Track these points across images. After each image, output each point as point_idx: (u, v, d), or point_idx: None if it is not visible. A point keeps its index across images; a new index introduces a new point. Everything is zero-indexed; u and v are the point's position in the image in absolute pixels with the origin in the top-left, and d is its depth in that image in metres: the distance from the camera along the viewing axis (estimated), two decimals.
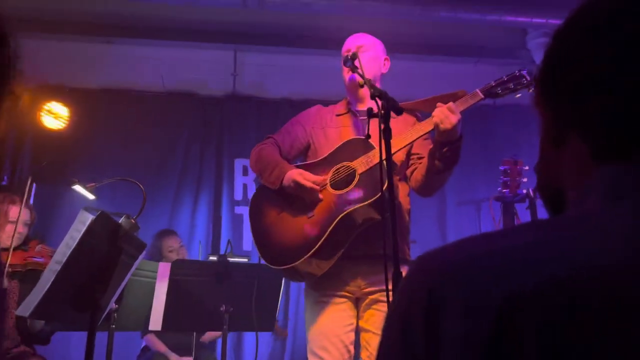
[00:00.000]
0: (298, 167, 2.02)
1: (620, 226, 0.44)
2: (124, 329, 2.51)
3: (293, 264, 1.85)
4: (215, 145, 4.22)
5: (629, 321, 0.38)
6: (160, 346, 3.15)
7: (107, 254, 1.81)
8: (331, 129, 2.07)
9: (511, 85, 1.81)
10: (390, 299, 1.46)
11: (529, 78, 1.79)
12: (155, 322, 2.50)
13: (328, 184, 1.93)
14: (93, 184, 2.29)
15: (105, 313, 2.11)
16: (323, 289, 1.93)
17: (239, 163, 4.15)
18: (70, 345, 3.35)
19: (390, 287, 1.46)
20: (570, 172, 0.53)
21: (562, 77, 0.52)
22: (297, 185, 1.90)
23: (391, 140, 1.81)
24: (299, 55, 4.25)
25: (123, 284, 2.13)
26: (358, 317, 1.94)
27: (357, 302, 1.95)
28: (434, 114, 1.78)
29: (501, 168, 2.42)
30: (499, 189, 2.40)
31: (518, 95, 1.82)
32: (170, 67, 4.26)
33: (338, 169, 1.94)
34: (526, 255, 0.43)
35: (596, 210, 0.47)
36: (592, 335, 0.38)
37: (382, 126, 1.50)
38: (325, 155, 1.99)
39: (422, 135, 1.85)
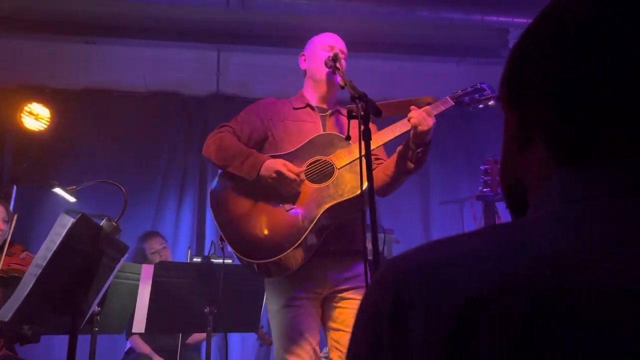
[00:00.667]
0: (271, 157, 1.96)
1: (574, 229, 0.45)
2: (107, 332, 2.49)
3: (274, 258, 1.80)
4: (199, 146, 4.18)
5: (585, 321, 0.40)
6: (144, 348, 3.14)
7: (89, 257, 1.80)
8: (290, 123, 2.04)
9: (476, 96, 1.92)
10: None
11: (489, 91, 1.88)
12: (139, 324, 2.49)
13: (304, 177, 1.92)
14: (74, 186, 2.27)
15: (88, 316, 2.10)
16: (289, 292, 1.89)
17: None
18: (54, 348, 3.32)
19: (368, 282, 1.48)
20: (532, 175, 0.54)
21: (525, 80, 0.53)
22: (280, 175, 1.85)
23: (377, 133, 1.85)
24: (283, 55, 4.24)
25: (105, 286, 2.11)
26: (325, 317, 1.94)
27: (323, 301, 1.94)
28: (411, 115, 1.82)
29: (482, 167, 2.45)
30: (480, 188, 2.43)
31: (481, 106, 1.90)
32: (153, 67, 4.23)
33: (313, 163, 1.94)
34: (485, 258, 0.44)
35: (554, 213, 0.48)
36: (548, 335, 0.39)
37: (362, 127, 1.52)
38: (293, 148, 1.97)
39: (398, 135, 1.89)
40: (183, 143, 4.20)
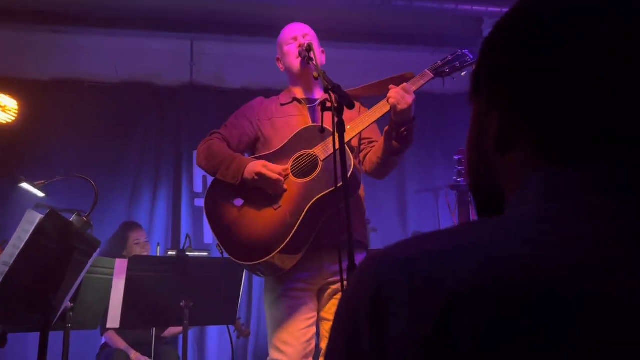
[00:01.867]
0: (255, 158, 1.98)
1: (551, 228, 0.45)
2: (80, 328, 2.45)
3: (266, 258, 1.81)
4: (173, 137, 4.14)
5: (559, 319, 0.39)
6: (120, 343, 3.10)
7: (59, 253, 1.76)
8: (278, 119, 2.04)
9: (457, 64, 1.90)
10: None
11: (471, 56, 1.86)
12: (113, 319, 2.46)
13: (290, 174, 1.91)
14: (42, 181, 2.21)
15: (60, 312, 2.07)
16: (285, 283, 1.91)
17: None
18: (27, 346, 3.25)
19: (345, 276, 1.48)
20: (510, 175, 0.53)
21: (503, 77, 0.52)
22: (261, 177, 1.86)
23: (349, 125, 1.84)
24: (258, 44, 4.19)
25: (77, 282, 2.08)
26: (319, 307, 1.95)
27: (319, 292, 1.95)
28: (389, 95, 1.81)
29: (456, 157, 2.46)
30: (454, 177, 2.44)
31: (463, 74, 1.88)
32: (125, 57, 4.14)
33: (298, 157, 1.93)
34: (466, 255, 0.44)
35: (533, 211, 0.48)
36: (521, 331, 0.39)
37: (336, 119, 1.51)
38: (280, 145, 1.97)
39: (379, 118, 1.88)
40: (156, 134, 4.13)
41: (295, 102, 2.08)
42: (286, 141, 1.97)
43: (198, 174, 4.10)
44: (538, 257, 0.42)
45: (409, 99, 1.78)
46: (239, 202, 1.96)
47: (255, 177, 1.87)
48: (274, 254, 1.80)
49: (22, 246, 1.58)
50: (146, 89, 4.14)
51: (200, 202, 4.04)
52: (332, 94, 1.51)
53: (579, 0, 0.49)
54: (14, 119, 3.59)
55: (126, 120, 4.07)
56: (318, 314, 1.95)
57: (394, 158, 1.94)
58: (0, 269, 1.56)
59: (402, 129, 1.83)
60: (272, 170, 1.87)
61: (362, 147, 2.07)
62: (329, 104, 1.52)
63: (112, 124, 4.01)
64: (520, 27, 0.52)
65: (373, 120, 1.89)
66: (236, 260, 1.88)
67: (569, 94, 0.47)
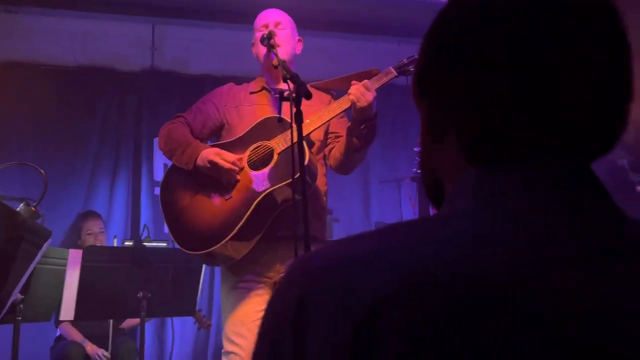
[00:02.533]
0: (213, 146, 1.95)
1: (479, 228, 0.44)
2: (31, 320, 2.38)
3: (211, 249, 1.79)
4: (133, 124, 4.04)
5: (490, 323, 0.38)
6: (75, 335, 3.03)
7: (4, 244, 1.69)
8: (245, 107, 2.01)
9: None
10: None
11: None
12: (67, 311, 2.40)
13: (245, 164, 1.88)
14: None
15: (9, 305, 1.99)
16: (240, 274, 1.89)
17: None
18: None
19: None
20: (446, 168, 0.53)
21: (439, 71, 0.51)
22: (214, 165, 1.82)
23: (308, 119, 1.82)
24: (221, 29, 4.11)
25: (27, 273, 2.00)
26: None
27: (273, 285, 1.93)
28: (350, 91, 1.79)
29: (416, 149, 2.47)
30: (414, 169, 2.45)
31: None
32: (84, 40, 3.99)
33: (255, 148, 1.90)
34: (389, 259, 0.42)
35: (464, 210, 0.47)
36: (447, 342, 0.38)
37: (294, 109, 1.48)
38: (241, 134, 1.94)
39: (338, 114, 1.87)
40: (116, 121, 4.01)
41: (264, 91, 2.04)
42: (246, 131, 1.93)
43: (159, 161, 4.01)
44: (469, 261, 0.41)
45: (369, 96, 1.76)
46: (191, 189, 1.92)
47: (208, 165, 1.83)
48: (221, 243, 1.78)
49: None
50: (106, 73, 4.01)
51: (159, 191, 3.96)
52: (289, 83, 1.48)
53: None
54: None
55: (85, 106, 3.94)
56: None
57: (356, 155, 1.93)
58: None
59: (362, 126, 1.82)
60: (225, 159, 1.83)
61: (328, 141, 2.05)
62: (287, 94, 1.49)
63: (70, 110, 3.87)
64: (454, 22, 0.51)
65: (333, 115, 1.86)
66: (184, 250, 1.86)
67: (499, 92, 0.46)
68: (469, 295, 0.39)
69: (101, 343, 2.99)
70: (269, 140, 1.89)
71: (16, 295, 2.05)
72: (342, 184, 4.04)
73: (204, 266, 2.63)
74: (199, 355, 3.79)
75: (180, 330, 3.73)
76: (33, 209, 1.77)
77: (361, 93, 1.76)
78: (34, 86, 3.79)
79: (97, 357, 2.94)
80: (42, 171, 1.86)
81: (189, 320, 3.24)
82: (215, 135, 2.05)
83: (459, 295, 0.39)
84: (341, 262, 0.43)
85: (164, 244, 3.14)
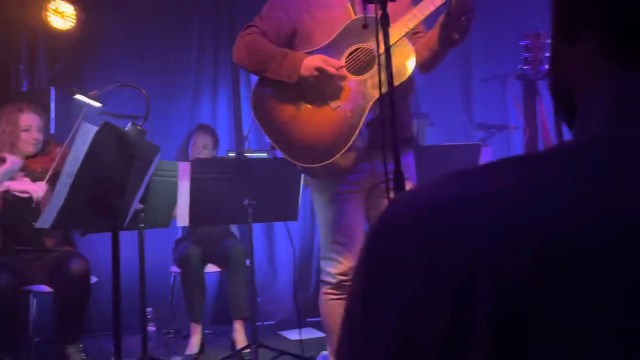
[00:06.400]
0: (308, 53, 1.84)
1: (616, 174, 0.34)
2: (152, 226, 2.63)
3: (330, 160, 1.75)
4: (229, 36, 4.06)
5: (605, 298, 0.31)
6: None
7: (118, 161, 1.84)
8: (317, 10, 1.88)
9: None
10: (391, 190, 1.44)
11: None
12: (182, 218, 2.62)
13: (345, 71, 1.80)
14: (95, 92, 2.26)
15: (131, 214, 2.21)
16: (336, 184, 1.88)
17: None
18: (109, 243, 3.54)
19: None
20: (578, 76, 0.43)
21: None
22: (322, 72, 1.74)
23: (404, 17, 1.69)
24: None
25: (143, 186, 2.19)
26: (367, 206, 1.93)
27: (369, 191, 1.93)
28: None
29: (522, 43, 2.23)
30: (520, 66, 2.23)
31: None
32: None
33: (352, 52, 1.81)
34: (497, 204, 0.35)
35: (598, 137, 0.37)
36: (554, 307, 0.32)
37: (380, 13, 1.39)
38: (324, 40, 1.83)
39: (439, 6, 1.72)
40: (212, 30, 4.05)
41: None
42: (335, 35, 1.82)
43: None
44: (586, 217, 0.33)
45: None
46: (292, 101, 1.85)
47: (315, 73, 1.75)
48: (337, 155, 1.74)
49: (82, 157, 1.66)
50: None
51: None
52: None
53: None
54: (73, 24, 3.63)
55: (183, 24, 4.01)
56: (366, 212, 1.94)
57: (448, 50, 1.81)
58: (66, 180, 1.65)
59: (462, 18, 1.68)
60: (331, 64, 1.75)
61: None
62: None
63: (170, 28, 3.96)
64: None
65: (433, 9, 1.71)
66: (297, 163, 1.83)
67: None
68: (582, 263, 0.32)
69: (213, 245, 3.26)
70: (366, 43, 1.79)
71: (136, 205, 2.26)
72: (441, 84, 3.85)
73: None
74: (304, 256, 4.02)
75: (285, 233, 3.96)
76: (139, 127, 1.89)
77: None
78: (133, 3, 3.90)
79: None
80: (143, 91, 1.95)
81: (293, 224, 3.41)
82: (288, 44, 1.92)
83: (567, 263, 0.32)
84: (436, 207, 0.37)
85: (264, 154, 3.26)
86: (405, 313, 0.36)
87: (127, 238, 2.65)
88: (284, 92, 1.85)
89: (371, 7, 1.40)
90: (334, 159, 1.76)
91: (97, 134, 1.67)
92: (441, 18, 1.74)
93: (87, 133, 1.65)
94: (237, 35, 3.94)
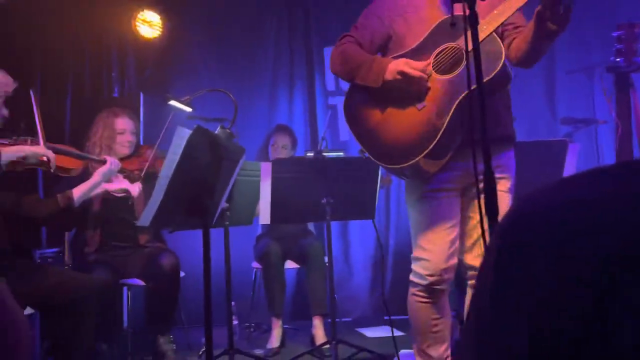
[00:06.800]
0: (394, 58, 1.86)
1: None
2: (236, 224, 2.74)
3: (413, 161, 1.76)
4: (303, 38, 4.14)
5: None
6: None
7: (209, 163, 1.94)
8: (411, 14, 1.90)
9: None
10: (481, 185, 1.42)
11: None
12: (264, 216, 2.71)
13: (432, 71, 1.80)
14: (187, 97, 2.39)
15: (218, 213, 2.32)
16: (428, 183, 1.87)
17: (328, 52, 4.06)
18: (196, 240, 3.71)
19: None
20: None
21: None
22: (404, 75, 1.77)
23: (493, 12, 1.66)
24: None
25: (229, 186, 2.29)
26: (464, 206, 1.91)
27: (463, 191, 1.91)
28: None
29: (614, 34, 2.12)
30: (612, 58, 2.12)
31: None
32: None
33: (440, 52, 1.80)
34: (624, 205, 0.36)
35: None
36: None
37: (467, 11, 1.37)
38: (415, 42, 1.84)
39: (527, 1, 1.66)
40: (287, 34, 4.15)
41: None
42: (423, 37, 1.83)
43: (330, 72, 4.10)
44: None
45: None
46: (380, 105, 1.88)
47: (398, 77, 1.78)
48: (420, 156, 1.75)
49: (177, 160, 1.76)
50: None
51: (333, 101, 4.09)
52: None
53: None
54: (159, 33, 3.84)
55: (258, 24, 4.14)
56: (462, 211, 1.92)
57: (547, 42, 1.73)
58: (163, 182, 1.76)
59: (559, 7, 1.61)
60: (414, 67, 1.77)
61: (505, 34, 1.87)
62: None
63: (246, 30, 4.10)
64: None
65: (520, 5, 1.65)
66: (383, 165, 1.87)
67: None
68: None
69: (291, 242, 3.34)
70: (454, 41, 1.78)
71: (223, 204, 2.37)
72: (522, 76, 3.71)
73: (379, 172, 2.72)
74: (379, 254, 4.03)
75: (360, 232, 3.99)
76: (228, 130, 1.98)
77: None
78: (212, 9, 4.07)
79: None
80: (231, 96, 2.03)
81: (369, 223, 3.42)
82: (382, 49, 1.97)
83: None
84: (567, 207, 0.38)
85: (341, 153, 3.30)
86: (540, 311, 0.36)
87: (212, 235, 2.78)
88: (372, 97, 1.89)
89: (458, 5, 1.39)
90: (417, 159, 1.76)
91: (191, 137, 1.77)
92: (538, 8, 1.67)
93: (181, 137, 1.75)
94: (311, 37, 4.09)
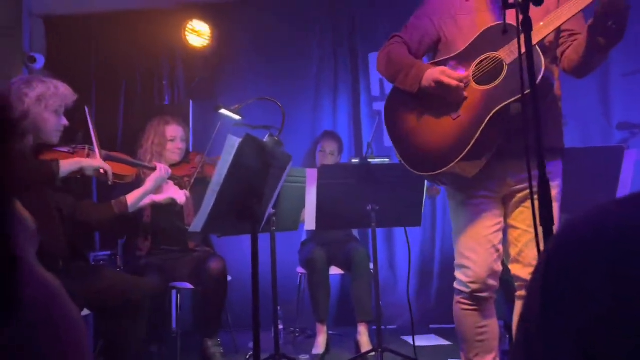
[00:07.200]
0: (434, 64, 1.88)
1: None
2: (283, 230, 2.77)
3: (445, 169, 1.77)
4: (348, 44, 4.16)
5: None
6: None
7: (258, 170, 1.98)
8: (463, 16, 1.87)
9: None
10: (535, 195, 1.38)
11: None
12: (310, 222, 2.72)
13: (471, 80, 1.79)
14: (237, 105, 2.44)
15: (265, 219, 2.35)
16: (468, 190, 1.87)
17: (373, 58, 4.06)
18: (242, 245, 3.77)
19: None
20: None
21: None
22: (440, 84, 1.77)
23: (542, 21, 1.63)
24: None
25: (277, 192, 2.32)
26: (506, 216, 1.89)
27: (504, 199, 1.88)
28: None
29: None
30: None
31: None
32: None
33: (481, 61, 1.78)
34: None
35: None
36: None
37: (521, 17, 1.35)
38: (463, 47, 1.83)
39: (580, 10, 1.62)
40: (331, 40, 4.17)
41: None
42: (468, 43, 1.81)
43: (374, 77, 4.10)
44: None
45: None
46: (417, 111, 1.89)
47: (433, 85, 1.78)
48: (452, 164, 1.75)
49: (228, 167, 1.80)
50: None
51: (378, 106, 4.07)
52: None
53: None
54: (208, 42, 3.94)
55: (303, 31, 4.18)
56: (505, 220, 1.89)
57: (599, 56, 1.70)
58: (214, 189, 1.80)
59: (610, 22, 1.57)
60: (450, 76, 1.76)
61: (560, 40, 1.82)
62: (511, 0, 1.36)
63: (291, 37, 4.15)
64: None
65: (573, 14, 1.60)
66: (415, 171, 1.87)
67: None
68: None
69: (337, 248, 3.34)
70: (496, 51, 1.76)
71: (270, 210, 2.40)
72: (573, 80, 3.59)
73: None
74: (426, 261, 3.98)
75: (403, 238, 3.95)
76: (276, 138, 2.01)
77: None
78: (258, 19, 4.14)
79: None
80: (279, 104, 2.06)
81: (415, 230, 3.39)
82: (432, 50, 1.97)
83: None
84: (624, 227, 0.38)
85: (386, 160, 3.28)
86: (595, 327, 0.36)
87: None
88: (410, 102, 1.90)
89: (511, 11, 1.37)
90: (447, 168, 1.75)
91: (241, 145, 1.80)
92: (590, 21, 1.64)
93: (232, 145, 1.79)
94: (356, 42, 4.10)
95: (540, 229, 1.31)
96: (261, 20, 4.12)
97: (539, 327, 0.41)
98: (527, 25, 1.33)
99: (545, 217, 1.30)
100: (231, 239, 3.10)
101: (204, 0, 4.18)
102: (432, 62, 1.91)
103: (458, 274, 1.89)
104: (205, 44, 3.93)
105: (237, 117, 2.89)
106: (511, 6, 1.36)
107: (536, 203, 1.34)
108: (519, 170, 1.80)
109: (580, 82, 3.57)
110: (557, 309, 0.39)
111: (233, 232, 2.27)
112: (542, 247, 1.33)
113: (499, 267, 1.86)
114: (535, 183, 1.77)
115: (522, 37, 1.35)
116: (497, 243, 1.85)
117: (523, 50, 1.33)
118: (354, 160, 3.57)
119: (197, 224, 1.82)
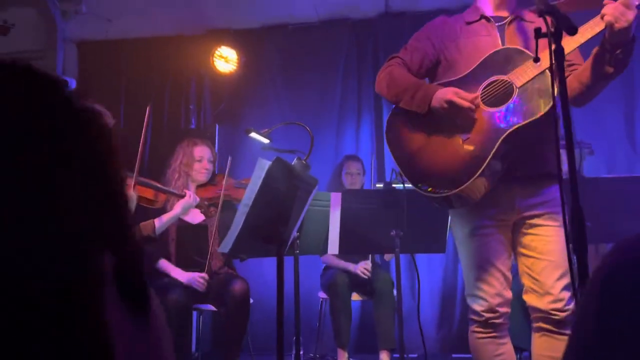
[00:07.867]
0: (439, 85, 1.86)
1: None
2: (306, 253, 2.77)
3: (454, 191, 1.74)
4: (372, 70, 4.21)
5: None
6: (338, 261, 3.42)
7: (285, 192, 2.00)
8: (464, 40, 1.88)
9: None
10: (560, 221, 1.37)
11: None
12: (333, 246, 2.72)
13: (480, 102, 1.78)
14: (266, 129, 2.49)
15: (290, 242, 2.36)
16: (476, 220, 1.84)
17: None
18: (263, 266, 3.80)
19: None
20: None
21: None
22: (452, 105, 1.75)
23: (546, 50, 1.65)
24: None
25: (302, 215, 2.33)
26: (515, 243, 1.86)
27: (513, 226, 1.85)
28: (605, 11, 1.57)
29: None
30: None
31: None
32: None
33: (490, 84, 1.79)
34: None
35: None
36: None
37: (554, 46, 1.37)
38: (465, 70, 1.83)
39: (590, 38, 1.65)
40: (355, 67, 4.23)
41: (483, 20, 1.89)
42: (475, 65, 1.82)
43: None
44: None
45: (630, 15, 1.53)
46: (423, 131, 1.87)
47: (445, 105, 1.76)
48: (462, 187, 1.72)
49: (257, 190, 1.83)
50: (343, 24, 4.23)
51: None
52: (548, 18, 1.36)
53: None
54: (235, 68, 4.03)
55: (327, 59, 4.25)
56: (515, 248, 1.87)
57: (603, 84, 1.71)
58: (243, 210, 1.83)
59: (618, 51, 1.60)
60: (463, 98, 1.75)
61: None
62: (544, 30, 1.38)
63: (315, 64, 4.22)
64: None
65: (581, 42, 1.64)
66: (421, 192, 1.84)
67: None
68: None
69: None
70: (505, 75, 1.76)
71: (294, 233, 2.41)
72: (597, 107, 3.58)
73: None
74: (449, 288, 3.94)
75: (428, 265, 3.92)
76: (304, 162, 2.03)
77: (620, 12, 1.54)
78: (285, 45, 4.23)
79: (362, 271, 3.29)
80: (307, 128, 2.10)
81: (437, 256, 3.37)
82: (430, 73, 1.96)
83: None
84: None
85: (410, 186, 3.28)
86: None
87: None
88: (416, 122, 1.88)
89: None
90: (456, 191, 1.73)
91: (270, 167, 1.83)
92: (596, 48, 1.66)
93: (262, 167, 1.82)
94: (379, 66, 4.13)
95: (571, 251, 1.30)
96: (287, 47, 4.21)
97: (593, 352, 0.41)
98: (559, 55, 1.35)
99: (578, 239, 1.28)
100: (252, 261, 3.11)
101: (232, 27, 4.29)
102: (437, 82, 1.90)
103: (471, 303, 1.88)
104: (232, 70, 4.01)
105: (265, 141, 2.93)
106: (544, 35, 1.38)
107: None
108: (527, 196, 1.80)
109: (603, 106, 3.60)
110: (614, 340, 0.40)
111: (258, 254, 2.29)
112: (573, 271, 1.31)
113: (509, 295, 1.84)
114: (547, 209, 1.76)
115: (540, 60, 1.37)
116: (506, 271, 1.84)
117: (559, 83, 1.34)
118: (378, 185, 3.58)
119: (225, 244, 1.84)
